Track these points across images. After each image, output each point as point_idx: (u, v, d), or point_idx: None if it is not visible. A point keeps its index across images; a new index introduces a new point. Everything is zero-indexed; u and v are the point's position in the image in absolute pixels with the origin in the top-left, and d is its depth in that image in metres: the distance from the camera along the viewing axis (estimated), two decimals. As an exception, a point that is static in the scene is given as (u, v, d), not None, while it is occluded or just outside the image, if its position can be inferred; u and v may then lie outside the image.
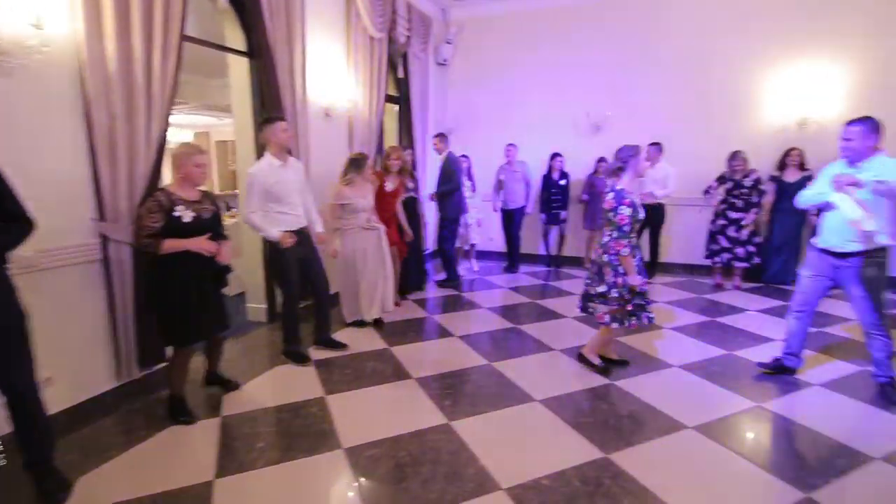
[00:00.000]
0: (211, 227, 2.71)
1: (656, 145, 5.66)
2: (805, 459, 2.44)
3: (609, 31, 6.24)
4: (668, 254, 6.11)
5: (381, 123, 5.52)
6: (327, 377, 3.29)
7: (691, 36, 5.89)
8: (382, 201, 4.39)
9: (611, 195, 3.06)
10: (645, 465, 2.35)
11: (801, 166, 5.29)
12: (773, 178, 5.48)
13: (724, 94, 5.85)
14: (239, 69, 4.06)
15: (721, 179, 5.55)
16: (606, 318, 3.18)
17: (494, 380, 3.28)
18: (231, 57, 4.06)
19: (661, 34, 6.01)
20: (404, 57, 5.99)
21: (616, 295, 3.11)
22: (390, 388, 3.16)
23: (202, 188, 2.76)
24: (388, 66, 5.62)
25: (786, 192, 5.22)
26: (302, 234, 3.45)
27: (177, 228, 2.55)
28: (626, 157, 3.05)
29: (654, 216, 5.73)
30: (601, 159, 6.16)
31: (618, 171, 3.10)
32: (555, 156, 6.22)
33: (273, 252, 3.44)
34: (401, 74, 6.08)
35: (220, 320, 2.87)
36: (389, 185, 4.41)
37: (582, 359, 3.45)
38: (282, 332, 3.57)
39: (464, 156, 6.06)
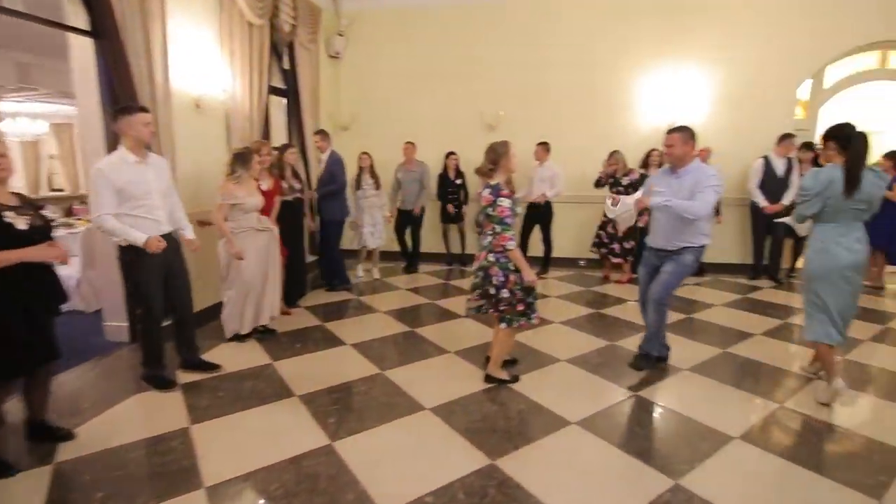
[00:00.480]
0: (47, 235, 2.31)
1: (543, 144, 5.83)
2: (674, 445, 2.58)
3: (502, 33, 6.32)
4: (559, 250, 6.35)
5: (266, 117, 5.11)
6: (195, 403, 2.92)
7: (578, 41, 6.14)
8: None
9: (486, 191, 2.99)
10: (529, 467, 2.34)
11: (660, 165, 5.74)
12: (641, 175, 5.90)
13: (607, 96, 6.19)
14: (81, 51, 3.50)
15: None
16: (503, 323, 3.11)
17: (385, 390, 3.13)
18: (72, 37, 3.49)
19: (550, 38, 6.20)
20: (290, 47, 5.61)
21: (507, 295, 3.03)
22: (269, 409, 2.88)
23: (16, 191, 2.30)
24: (272, 56, 5.23)
25: None
26: (166, 242, 3.04)
27: (8, 239, 2.12)
28: (495, 157, 3.00)
29: (542, 214, 5.93)
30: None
31: (490, 172, 3.05)
32: (449, 154, 6.18)
33: (130, 260, 2.99)
34: (287, 65, 5.68)
35: (47, 349, 2.37)
36: (264, 185, 4.05)
37: (490, 379, 3.22)
38: (141, 353, 3.13)
39: (364, 153, 5.81)
